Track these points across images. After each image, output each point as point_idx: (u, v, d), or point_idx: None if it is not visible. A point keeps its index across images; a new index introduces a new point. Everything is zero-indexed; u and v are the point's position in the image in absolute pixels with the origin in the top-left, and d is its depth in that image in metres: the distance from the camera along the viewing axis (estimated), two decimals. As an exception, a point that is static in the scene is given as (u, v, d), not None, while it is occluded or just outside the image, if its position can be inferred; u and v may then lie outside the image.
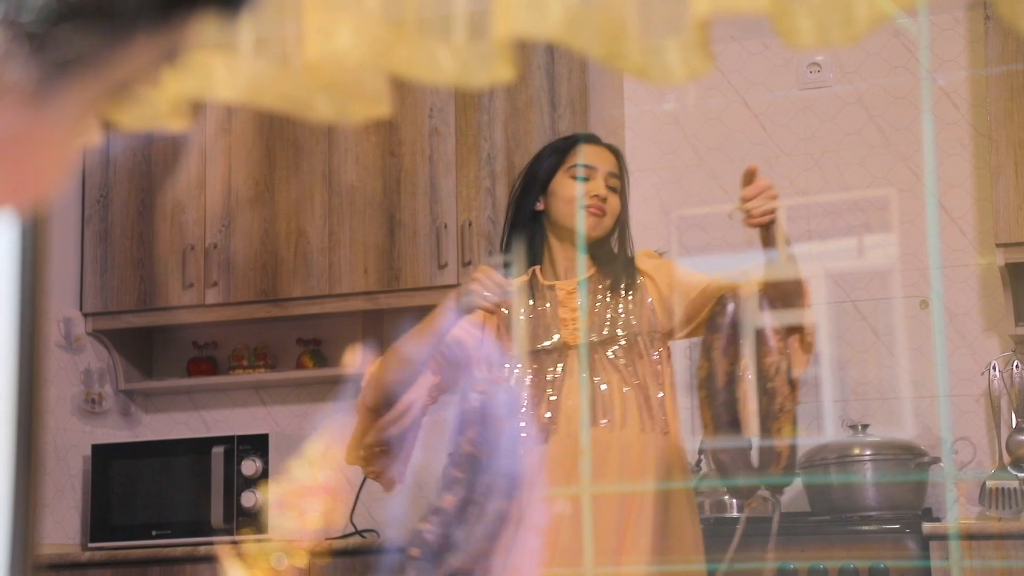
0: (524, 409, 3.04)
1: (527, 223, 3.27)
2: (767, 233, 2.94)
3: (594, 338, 3.12)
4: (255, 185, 5.09)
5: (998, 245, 4.45)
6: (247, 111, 4.88)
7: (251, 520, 4.83)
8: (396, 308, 5.00)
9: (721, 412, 2.90)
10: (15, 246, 1.20)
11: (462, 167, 4.91)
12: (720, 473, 2.97)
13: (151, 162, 5.23)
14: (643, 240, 3.70)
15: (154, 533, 4.94)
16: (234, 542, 1.44)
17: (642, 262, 3.23)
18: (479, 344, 3.16)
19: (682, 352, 4.24)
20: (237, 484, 4.90)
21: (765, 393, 2.88)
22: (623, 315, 3.14)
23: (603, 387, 3.08)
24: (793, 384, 2.91)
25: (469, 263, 4.83)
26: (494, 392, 2.86)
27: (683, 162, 4.98)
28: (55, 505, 5.09)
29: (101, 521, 5.02)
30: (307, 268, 5.00)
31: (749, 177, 2.93)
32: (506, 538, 2.87)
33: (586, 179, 3.22)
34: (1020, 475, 4.36)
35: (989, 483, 4.37)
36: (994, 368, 4.51)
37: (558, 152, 3.28)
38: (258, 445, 4.94)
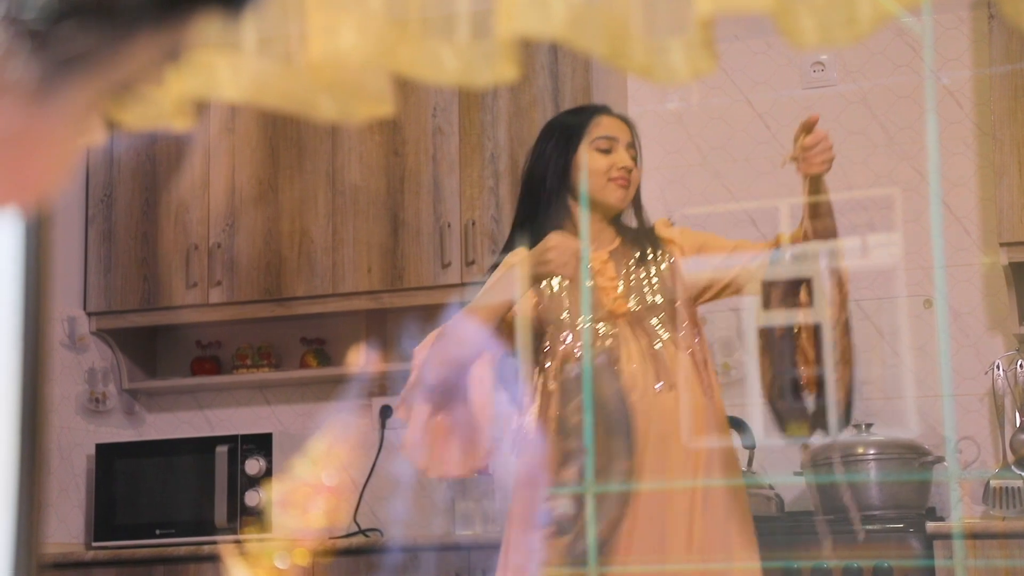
0: (617, 367, 3.02)
1: (551, 198, 3.21)
2: (817, 183, 2.96)
3: (636, 306, 3.12)
4: (259, 184, 5.09)
5: (1002, 244, 4.44)
6: (251, 110, 4.88)
7: (255, 519, 4.84)
8: (400, 307, 5.00)
9: (779, 362, 2.92)
10: (19, 245, 1.20)
11: (466, 166, 4.91)
12: (779, 422, 2.97)
13: (155, 161, 5.24)
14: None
15: (158, 532, 4.94)
16: (237, 541, 1.44)
17: (662, 231, 3.26)
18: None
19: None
20: (241, 483, 4.90)
21: (825, 343, 2.92)
22: (657, 282, 3.15)
23: (659, 348, 3.08)
24: (847, 332, 2.95)
25: (472, 262, 4.83)
26: (591, 357, 2.87)
27: (686, 161, 4.98)
28: (59, 504, 5.09)
29: (105, 520, 5.03)
30: (311, 267, 5.00)
31: (808, 126, 3.00)
32: (638, 499, 2.86)
33: (608, 151, 3.20)
34: (1024, 474, 4.36)
35: (993, 482, 4.37)
36: (998, 367, 4.51)
37: (577, 125, 3.24)
38: (262, 444, 4.95)
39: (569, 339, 3.11)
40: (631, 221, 3.28)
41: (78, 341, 5.22)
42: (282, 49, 1.50)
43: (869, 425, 4.51)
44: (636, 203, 3.29)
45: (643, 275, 3.17)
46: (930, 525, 4.13)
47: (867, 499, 4.35)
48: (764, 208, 4.80)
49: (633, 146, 3.27)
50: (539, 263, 3.04)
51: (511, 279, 3.05)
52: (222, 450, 4.93)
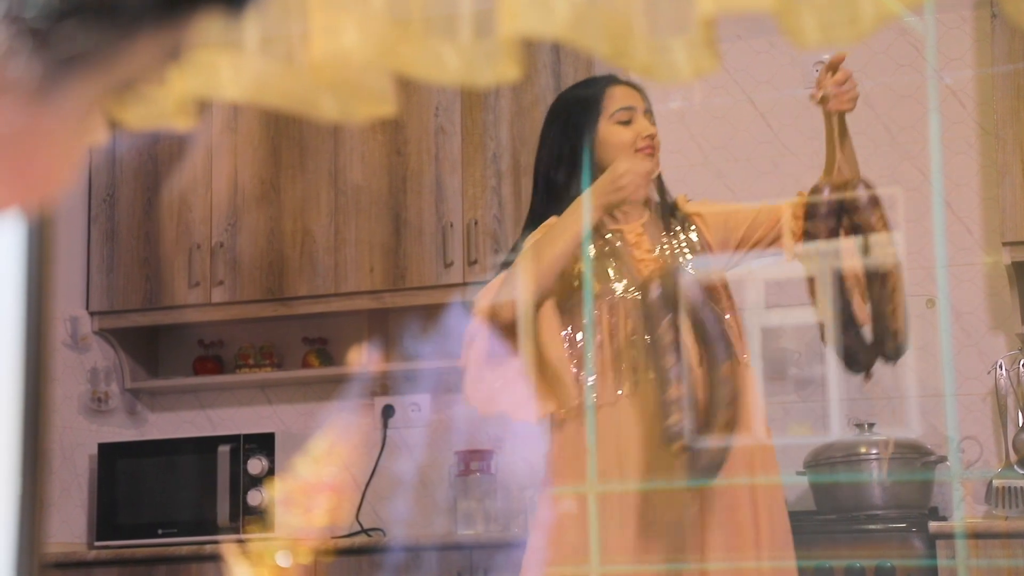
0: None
1: (575, 178, 3.12)
2: (842, 122, 2.99)
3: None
4: (261, 184, 5.09)
5: (1004, 244, 4.44)
6: (253, 110, 4.88)
7: (257, 519, 4.84)
8: (402, 307, 5.00)
9: (836, 300, 2.94)
10: (21, 245, 1.20)
11: (468, 166, 4.91)
12: (843, 356, 2.96)
13: (157, 161, 5.24)
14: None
15: (160, 532, 4.94)
16: (240, 541, 1.44)
17: (684, 205, 3.24)
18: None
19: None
20: (243, 483, 4.90)
21: (877, 278, 2.91)
22: (689, 253, 3.13)
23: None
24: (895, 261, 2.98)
25: (475, 262, 4.84)
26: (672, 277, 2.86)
27: (688, 161, 4.98)
28: (61, 504, 5.09)
29: (107, 520, 5.03)
30: (313, 267, 5.00)
31: (835, 64, 2.98)
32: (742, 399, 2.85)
33: (628, 121, 3.15)
34: (1026, 474, 4.36)
35: (996, 482, 4.37)
36: (1000, 367, 4.50)
37: (592, 100, 3.17)
38: (264, 444, 4.95)
39: (621, 287, 3.06)
40: (652, 194, 3.24)
41: (80, 341, 5.22)
42: (284, 49, 1.50)
43: (872, 425, 4.51)
44: (658, 175, 3.24)
45: (676, 247, 3.14)
46: (933, 525, 4.12)
47: (870, 499, 4.35)
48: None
49: (649, 111, 3.21)
50: (612, 190, 2.97)
51: (579, 211, 2.96)
52: (224, 450, 4.93)
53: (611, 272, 3.09)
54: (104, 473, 5.06)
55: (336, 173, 5.03)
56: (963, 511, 4.57)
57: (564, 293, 3.06)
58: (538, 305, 2.98)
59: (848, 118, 3.11)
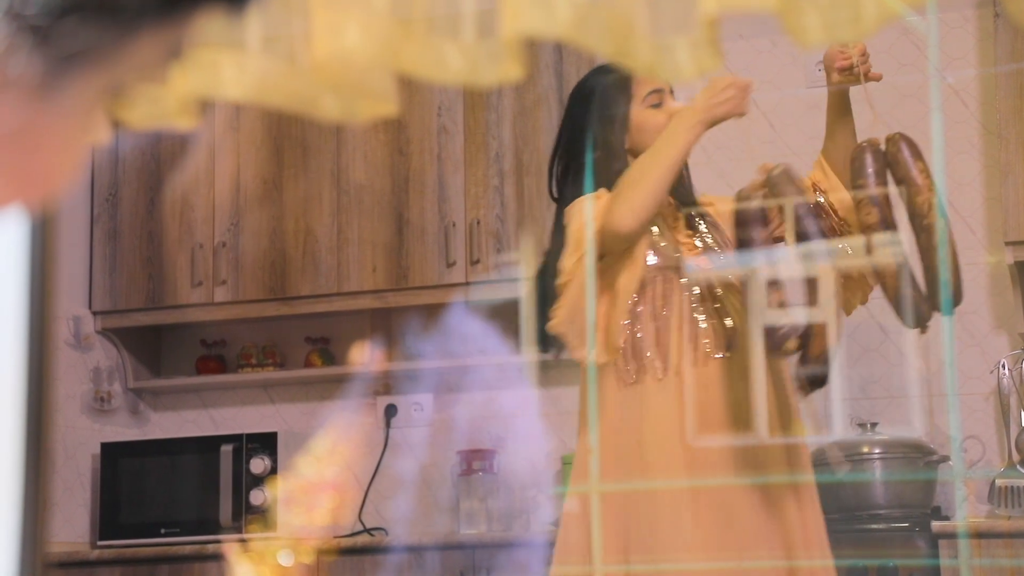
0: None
1: (610, 164, 3.06)
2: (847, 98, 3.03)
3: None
4: (263, 183, 5.09)
5: (1007, 243, 4.44)
6: (255, 109, 4.88)
7: (260, 518, 4.84)
8: (404, 306, 5.00)
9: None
10: (24, 244, 1.20)
11: (470, 165, 4.91)
12: (907, 309, 2.95)
13: (160, 160, 5.24)
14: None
15: (163, 531, 4.95)
16: (242, 540, 1.44)
17: (703, 200, 3.23)
18: None
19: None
20: (246, 482, 4.90)
21: (923, 230, 2.90)
22: (719, 239, 3.12)
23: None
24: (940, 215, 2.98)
25: (477, 262, 4.84)
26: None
27: (691, 160, 4.96)
28: (64, 503, 5.09)
29: (110, 519, 5.03)
30: (315, 266, 5.01)
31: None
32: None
33: (659, 104, 3.10)
34: (1029, 473, 4.35)
35: (998, 481, 4.37)
36: (1003, 366, 4.50)
37: (622, 85, 3.09)
38: (267, 443, 4.95)
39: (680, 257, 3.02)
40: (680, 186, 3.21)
41: (83, 340, 5.22)
42: (286, 48, 1.50)
43: (874, 424, 4.51)
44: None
45: (704, 233, 3.13)
46: (935, 524, 4.12)
47: (872, 498, 4.35)
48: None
49: (672, 91, 3.17)
50: (717, 103, 2.90)
51: (692, 125, 2.89)
52: (227, 449, 4.93)
53: (666, 244, 3.04)
54: (107, 473, 5.06)
55: (338, 173, 5.03)
56: (966, 511, 4.57)
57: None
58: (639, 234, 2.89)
59: (855, 95, 3.12)
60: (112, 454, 5.08)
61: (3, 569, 1.17)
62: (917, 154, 2.98)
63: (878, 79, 3.02)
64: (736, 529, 2.89)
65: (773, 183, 3.00)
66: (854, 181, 2.94)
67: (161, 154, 5.24)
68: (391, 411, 5.16)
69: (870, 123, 4.90)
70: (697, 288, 3.01)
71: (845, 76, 3.02)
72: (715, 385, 2.95)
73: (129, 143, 5.17)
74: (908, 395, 4.72)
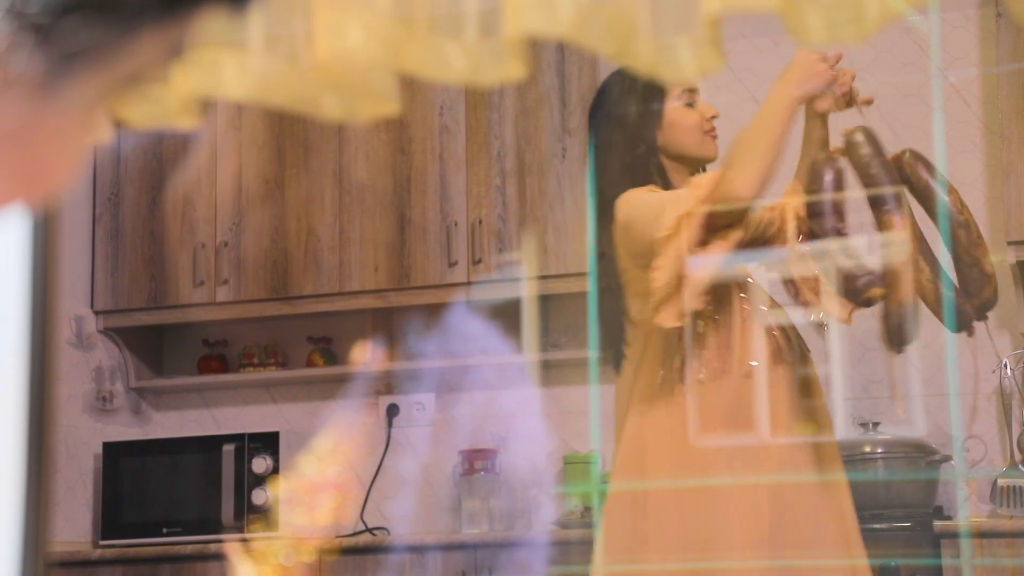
0: None
1: (644, 161, 3.03)
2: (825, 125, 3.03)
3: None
4: (265, 183, 5.09)
5: (1009, 243, 4.44)
6: (257, 109, 4.88)
7: (261, 517, 4.84)
8: (406, 306, 5.00)
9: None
10: (26, 243, 1.20)
11: (472, 165, 4.91)
12: (953, 315, 2.95)
13: (161, 160, 5.24)
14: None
15: (165, 531, 4.95)
16: (244, 540, 1.44)
17: None
18: None
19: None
20: (248, 482, 4.90)
21: (961, 226, 2.89)
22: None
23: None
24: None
25: (479, 261, 4.84)
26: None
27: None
28: (66, 503, 5.10)
29: (112, 519, 5.03)
30: (317, 266, 5.01)
31: (837, 60, 2.97)
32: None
33: (692, 104, 3.08)
34: (1031, 473, 4.35)
35: (1000, 481, 4.36)
36: (1005, 366, 4.50)
37: (656, 83, 3.03)
38: (269, 443, 4.95)
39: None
40: None
41: (85, 340, 5.23)
42: (288, 48, 1.50)
43: (876, 424, 4.51)
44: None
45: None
46: (937, 524, 4.12)
47: (874, 498, 4.34)
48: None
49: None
50: (809, 77, 2.89)
51: (790, 101, 2.86)
52: (229, 449, 4.94)
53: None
54: (109, 472, 5.06)
55: (340, 172, 5.03)
56: (968, 510, 4.57)
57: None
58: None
59: (852, 116, 3.10)
60: (114, 453, 5.08)
61: (5, 568, 1.17)
62: (929, 165, 2.99)
63: (870, 103, 3.01)
64: (803, 526, 2.90)
65: (852, 145, 2.98)
66: (809, 187, 2.92)
67: (163, 153, 5.24)
68: (393, 411, 5.16)
69: (873, 122, 4.89)
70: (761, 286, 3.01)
71: (839, 102, 3.02)
72: (780, 385, 2.93)
73: (131, 142, 5.17)
74: (910, 395, 4.71)
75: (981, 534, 4.08)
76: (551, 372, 4.96)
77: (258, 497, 4.87)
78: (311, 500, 1.38)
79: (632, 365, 2.99)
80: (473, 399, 4.98)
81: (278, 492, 1.41)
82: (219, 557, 4.70)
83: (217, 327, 5.35)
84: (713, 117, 3.11)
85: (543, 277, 4.75)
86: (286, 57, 1.50)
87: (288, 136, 5.09)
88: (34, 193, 0.70)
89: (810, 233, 2.93)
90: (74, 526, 5.14)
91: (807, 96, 2.91)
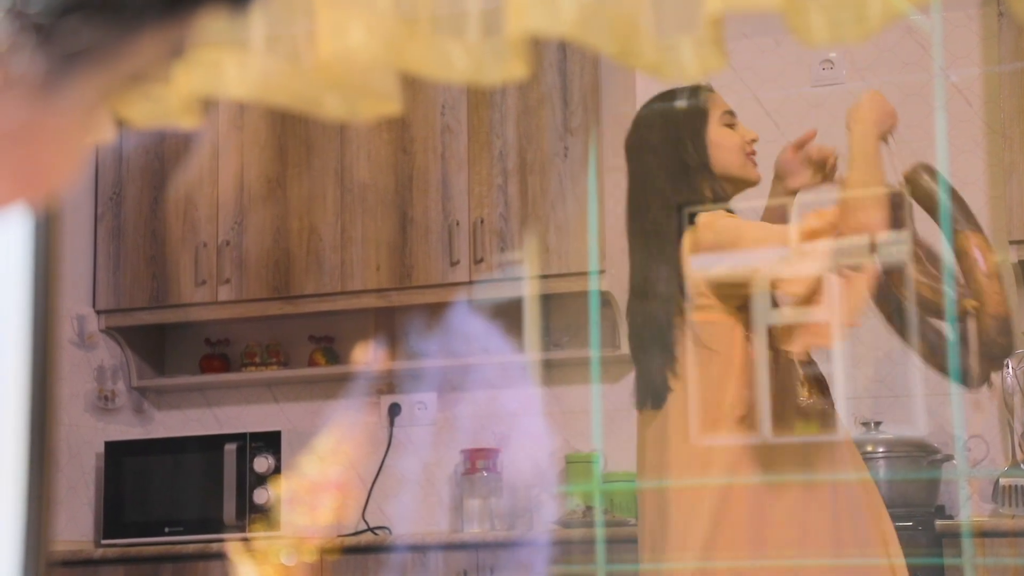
0: None
1: (696, 181, 3.02)
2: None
3: None
4: (267, 182, 5.09)
5: (1011, 242, 4.44)
6: (259, 108, 4.88)
7: (263, 517, 4.84)
8: (408, 305, 5.00)
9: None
10: (28, 243, 1.20)
11: (474, 164, 4.91)
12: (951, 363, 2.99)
13: (163, 159, 5.24)
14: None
15: (167, 530, 4.95)
16: (245, 539, 1.44)
17: None
18: None
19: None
20: (250, 481, 4.90)
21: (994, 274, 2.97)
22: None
23: None
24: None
25: (481, 260, 4.84)
26: None
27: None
28: (68, 502, 5.10)
29: (114, 518, 5.03)
30: (319, 265, 5.01)
31: (804, 142, 3.06)
32: None
33: (732, 126, 3.10)
34: (1033, 473, 4.35)
35: (1002, 480, 4.36)
36: (1007, 365, 4.50)
37: (700, 106, 3.08)
38: (270, 442, 4.95)
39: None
40: None
41: (87, 339, 5.23)
42: (290, 47, 1.50)
43: (878, 423, 4.51)
44: None
45: None
46: (939, 523, 4.12)
47: (876, 497, 4.34)
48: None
49: None
50: (885, 116, 2.97)
51: (868, 142, 2.91)
52: (231, 448, 4.94)
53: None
54: (111, 471, 5.07)
55: (342, 171, 5.03)
56: (969, 510, 4.57)
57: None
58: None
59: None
60: (116, 453, 5.08)
61: (8, 567, 1.17)
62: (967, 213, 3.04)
63: (842, 180, 3.03)
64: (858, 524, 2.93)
65: (916, 182, 3.03)
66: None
67: (165, 153, 5.24)
68: (395, 410, 5.16)
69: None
70: None
71: (815, 178, 3.06)
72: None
73: (133, 142, 5.17)
74: (912, 394, 4.71)
75: (983, 533, 4.08)
76: (553, 371, 4.96)
77: (260, 496, 4.87)
78: (313, 499, 1.38)
79: (689, 393, 2.95)
80: (475, 398, 4.98)
81: (280, 491, 1.41)
82: (221, 556, 4.70)
83: (219, 326, 5.35)
84: (753, 140, 3.12)
85: (545, 276, 4.75)
86: (288, 56, 1.50)
87: (290, 135, 5.09)
88: (36, 193, 0.70)
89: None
90: (76, 525, 5.14)
91: (884, 135, 2.97)
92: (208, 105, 1.52)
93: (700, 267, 2.93)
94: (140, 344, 5.40)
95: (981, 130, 4.78)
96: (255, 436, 4.96)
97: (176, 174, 5.21)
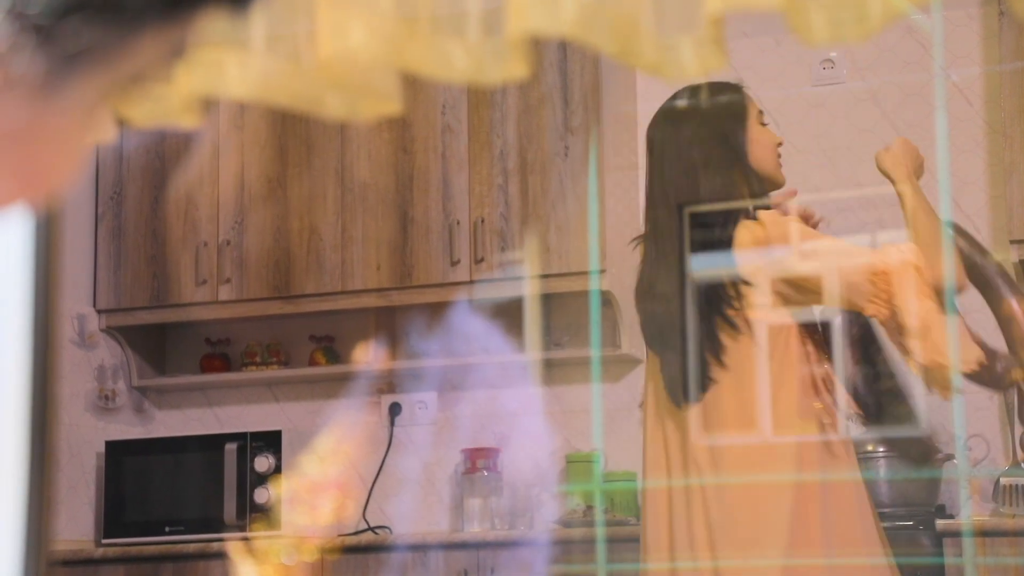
0: None
1: (739, 176, 3.02)
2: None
3: None
4: (268, 182, 5.09)
5: (1012, 242, 4.44)
6: (260, 108, 4.88)
7: (264, 516, 4.84)
8: (408, 305, 5.00)
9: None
10: (28, 242, 1.20)
11: (475, 164, 4.91)
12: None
13: (164, 159, 5.24)
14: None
15: (167, 529, 4.95)
16: (245, 538, 1.44)
17: None
18: None
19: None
20: (250, 480, 4.90)
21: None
22: None
23: None
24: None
25: (482, 260, 4.83)
26: None
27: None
28: (69, 501, 5.10)
29: (114, 517, 5.04)
30: (320, 265, 5.01)
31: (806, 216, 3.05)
32: None
33: (765, 124, 3.11)
34: (1034, 472, 4.35)
35: (1003, 480, 4.36)
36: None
37: (739, 103, 3.08)
38: (271, 441, 4.95)
39: None
40: None
41: (87, 338, 5.23)
42: (291, 47, 1.50)
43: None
44: None
45: None
46: (940, 523, 4.12)
47: (877, 497, 4.34)
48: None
49: None
50: (916, 158, 3.01)
51: (911, 183, 2.96)
52: (231, 447, 4.94)
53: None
54: (111, 471, 5.07)
55: (343, 171, 5.03)
56: (970, 509, 4.57)
57: None
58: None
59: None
60: (116, 452, 5.08)
61: (8, 567, 1.17)
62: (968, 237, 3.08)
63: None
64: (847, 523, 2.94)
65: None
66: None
67: (165, 152, 5.24)
68: (395, 409, 5.16)
69: (876, 121, 4.90)
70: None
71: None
72: None
73: (133, 141, 5.17)
74: (912, 393, 4.71)
75: (984, 533, 4.08)
76: (553, 371, 4.96)
77: (260, 496, 4.87)
78: (313, 499, 1.38)
79: (740, 387, 2.94)
80: (475, 398, 4.98)
81: (280, 491, 1.41)
82: (221, 556, 4.70)
83: (219, 326, 5.35)
84: (779, 144, 3.13)
85: (545, 276, 4.75)
86: (288, 56, 1.50)
87: (290, 135, 5.09)
88: (36, 193, 0.70)
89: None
90: (76, 525, 5.14)
91: (915, 176, 3.02)
92: (209, 105, 1.52)
93: (768, 264, 2.92)
94: (141, 343, 5.40)
95: (982, 130, 4.78)
96: (256, 436, 4.96)
97: (177, 174, 5.21)
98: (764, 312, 2.91)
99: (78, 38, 0.65)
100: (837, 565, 2.87)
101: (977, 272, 3.02)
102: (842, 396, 3.07)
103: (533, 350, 4.83)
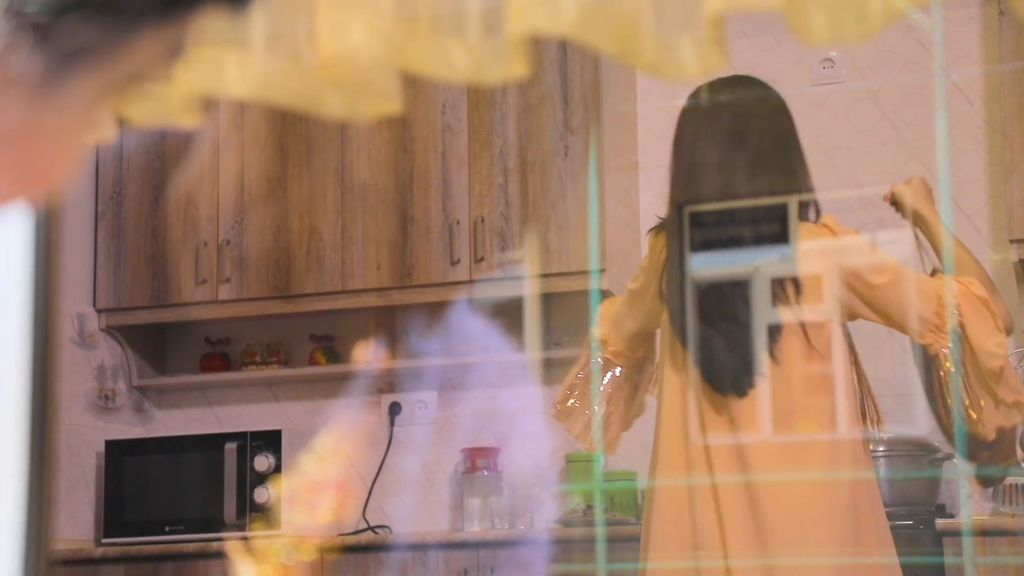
0: None
1: (796, 166, 3.12)
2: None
3: None
4: (268, 181, 5.09)
5: (1012, 241, 4.44)
6: (260, 107, 4.88)
7: (263, 516, 4.84)
8: (408, 304, 5.00)
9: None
10: (28, 241, 1.20)
11: (475, 163, 4.91)
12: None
13: (164, 158, 5.24)
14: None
15: (167, 529, 4.95)
16: (245, 538, 1.44)
17: None
18: None
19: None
20: (250, 480, 4.90)
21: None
22: None
23: None
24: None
25: (482, 259, 4.84)
26: None
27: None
28: (69, 501, 5.10)
29: (114, 517, 5.04)
30: (320, 264, 5.01)
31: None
32: None
33: None
34: (1034, 472, 4.35)
35: (1003, 480, 4.37)
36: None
37: (779, 95, 3.21)
38: (271, 441, 4.95)
39: None
40: None
41: (87, 338, 5.23)
42: (291, 46, 1.50)
43: (878, 422, 4.51)
44: None
45: None
46: (940, 522, 4.12)
47: (876, 496, 4.35)
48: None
49: None
50: (929, 194, 3.07)
51: (934, 213, 3.03)
52: (231, 447, 4.94)
53: None
54: (111, 470, 5.07)
55: (343, 170, 5.03)
56: (970, 509, 4.57)
57: None
58: None
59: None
60: (116, 452, 5.08)
61: (8, 566, 1.17)
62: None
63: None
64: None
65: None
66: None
67: (165, 152, 5.24)
68: (395, 409, 5.16)
69: (876, 120, 4.90)
70: None
71: None
72: None
73: (133, 141, 5.17)
74: (912, 393, 4.71)
75: (984, 532, 4.08)
76: (553, 370, 4.95)
77: (260, 495, 4.87)
78: (313, 498, 1.38)
79: (790, 385, 2.92)
80: (475, 397, 4.98)
81: (280, 490, 1.42)
82: (221, 555, 4.70)
83: (219, 325, 5.35)
84: None
85: (545, 275, 4.75)
86: (288, 56, 1.49)
87: (290, 134, 5.09)
88: (35, 192, 0.70)
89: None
90: (76, 524, 5.14)
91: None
92: (208, 104, 1.52)
93: (832, 269, 2.93)
94: (140, 343, 5.40)
95: (982, 129, 4.78)
96: (255, 435, 4.96)
97: (176, 173, 5.21)
98: (818, 313, 2.91)
99: (76, 36, 0.65)
100: (881, 564, 2.88)
101: None
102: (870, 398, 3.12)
103: (533, 350, 4.83)
